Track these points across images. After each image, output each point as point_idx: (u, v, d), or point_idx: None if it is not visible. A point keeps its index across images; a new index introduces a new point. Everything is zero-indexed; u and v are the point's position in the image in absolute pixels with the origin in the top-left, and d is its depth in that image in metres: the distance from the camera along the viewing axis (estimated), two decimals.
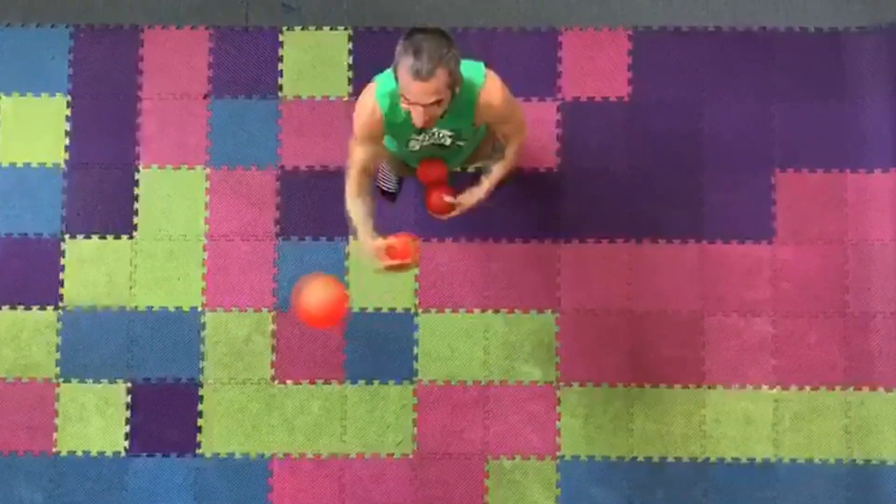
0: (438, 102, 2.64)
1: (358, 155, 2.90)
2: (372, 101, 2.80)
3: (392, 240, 2.83)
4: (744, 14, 3.77)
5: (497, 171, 3.07)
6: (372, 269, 2.87)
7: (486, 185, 3.07)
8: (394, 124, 2.84)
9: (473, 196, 3.07)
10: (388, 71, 2.81)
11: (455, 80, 2.64)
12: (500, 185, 3.66)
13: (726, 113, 3.73)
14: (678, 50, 3.76)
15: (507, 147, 3.05)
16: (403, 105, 2.67)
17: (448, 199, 3.06)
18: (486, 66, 2.84)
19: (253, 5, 3.81)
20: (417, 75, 2.56)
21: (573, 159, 3.73)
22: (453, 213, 3.10)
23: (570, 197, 3.71)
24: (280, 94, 3.76)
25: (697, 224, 3.69)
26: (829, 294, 3.65)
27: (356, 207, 2.92)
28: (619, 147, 3.72)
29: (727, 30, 3.77)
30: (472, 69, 2.80)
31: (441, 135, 2.91)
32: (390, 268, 2.83)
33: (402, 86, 2.61)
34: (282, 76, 3.77)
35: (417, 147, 2.98)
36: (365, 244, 2.87)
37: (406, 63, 2.57)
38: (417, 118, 2.66)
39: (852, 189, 3.69)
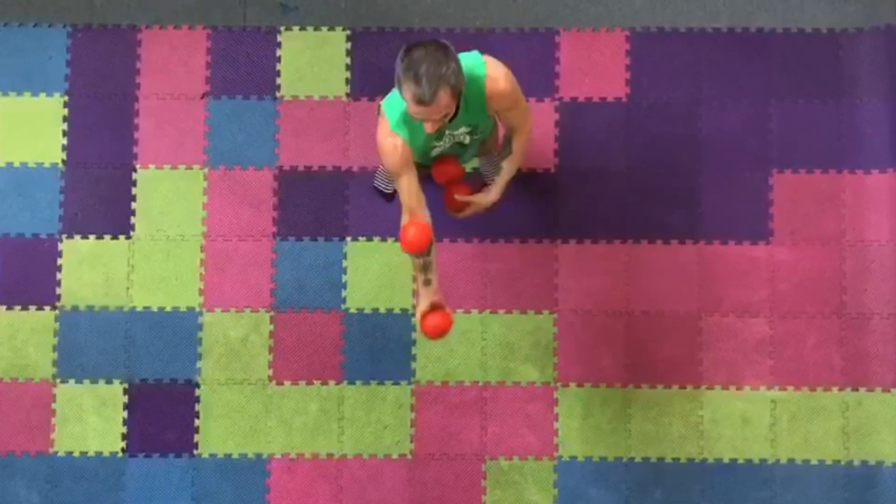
0: (445, 115, 2.71)
1: (404, 185, 2.91)
2: (392, 137, 2.85)
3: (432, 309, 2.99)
4: (741, 15, 3.77)
5: (507, 167, 3.08)
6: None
7: (500, 183, 3.09)
8: (418, 143, 2.88)
9: (488, 196, 3.09)
10: (392, 94, 2.85)
11: (458, 90, 2.68)
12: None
13: (724, 113, 3.73)
14: (676, 51, 3.76)
15: (515, 140, 3.05)
16: (414, 117, 2.73)
17: (461, 197, 3.07)
18: (481, 53, 2.86)
19: (251, 5, 3.80)
20: (421, 102, 2.62)
21: (571, 160, 3.73)
22: (468, 212, 3.13)
23: (568, 197, 3.71)
24: (278, 94, 3.76)
25: (695, 225, 3.69)
26: (826, 295, 3.65)
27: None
28: (616, 148, 3.72)
29: (725, 30, 3.77)
30: (470, 61, 2.82)
31: (459, 134, 2.95)
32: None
33: (409, 108, 2.68)
34: (280, 76, 3.77)
35: (439, 151, 3.02)
36: (423, 294, 2.98)
37: (408, 89, 2.62)
38: (429, 128, 2.73)
39: (850, 190, 3.69)
